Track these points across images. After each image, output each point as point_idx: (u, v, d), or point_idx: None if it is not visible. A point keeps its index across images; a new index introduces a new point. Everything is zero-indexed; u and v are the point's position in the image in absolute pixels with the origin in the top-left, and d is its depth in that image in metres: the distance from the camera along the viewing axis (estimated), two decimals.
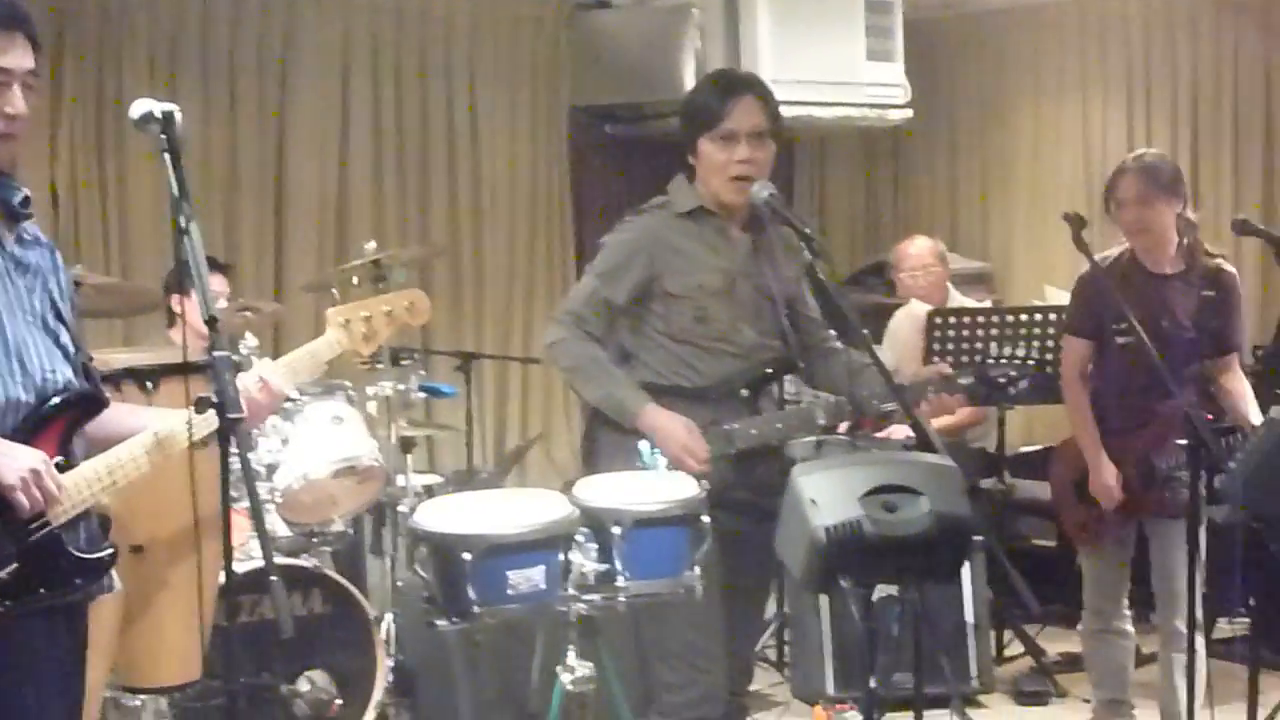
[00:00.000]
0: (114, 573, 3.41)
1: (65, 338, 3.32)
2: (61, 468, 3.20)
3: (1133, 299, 5.30)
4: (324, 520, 5.87)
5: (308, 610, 5.57)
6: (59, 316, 3.33)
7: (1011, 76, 9.18)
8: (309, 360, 3.72)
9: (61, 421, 3.24)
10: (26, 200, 3.31)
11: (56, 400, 3.23)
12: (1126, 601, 5.72)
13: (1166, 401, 5.21)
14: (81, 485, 3.23)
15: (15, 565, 3.15)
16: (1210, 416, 5.27)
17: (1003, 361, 5.11)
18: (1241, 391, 5.54)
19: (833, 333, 4.99)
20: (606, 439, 4.70)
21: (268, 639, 5.37)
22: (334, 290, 5.86)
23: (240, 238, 7.77)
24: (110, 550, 3.32)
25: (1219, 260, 5.56)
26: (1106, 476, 5.43)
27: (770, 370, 4.79)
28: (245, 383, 3.39)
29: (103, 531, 3.37)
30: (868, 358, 4.73)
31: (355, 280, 6.07)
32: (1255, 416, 5.39)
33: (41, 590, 3.20)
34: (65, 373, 3.28)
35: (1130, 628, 5.76)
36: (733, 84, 4.80)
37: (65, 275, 3.38)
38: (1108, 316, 5.41)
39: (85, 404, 3.30)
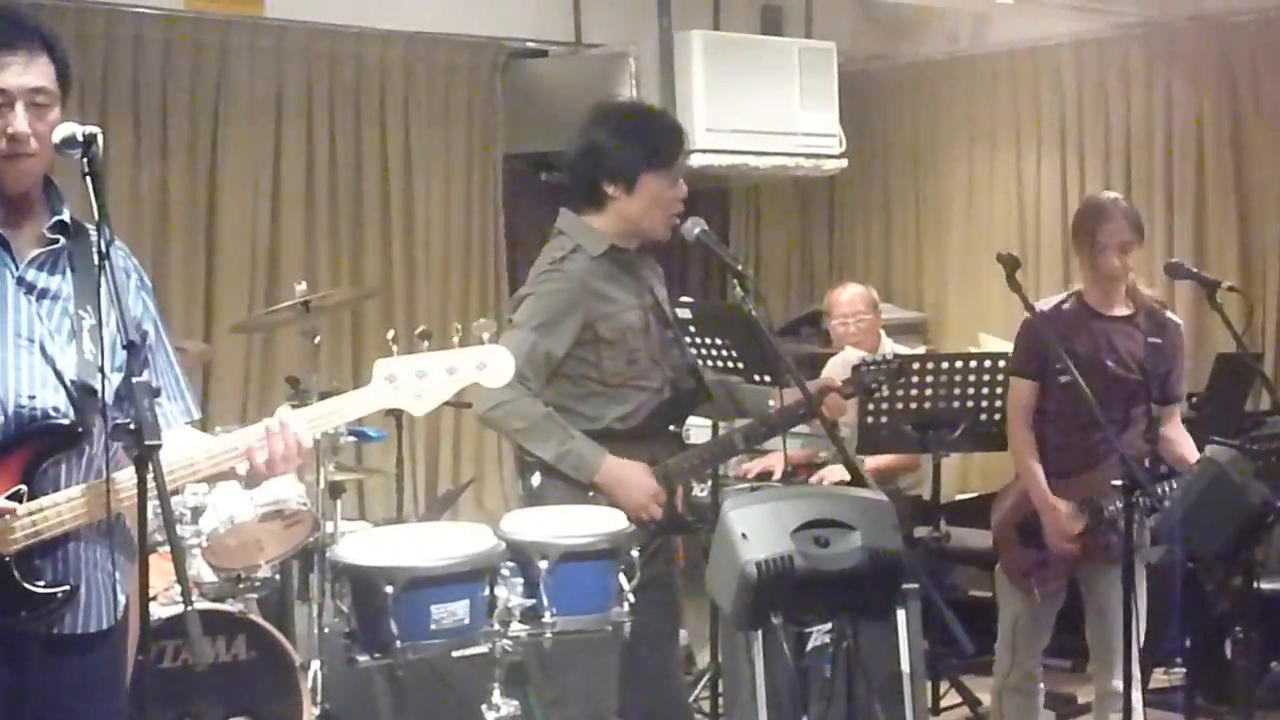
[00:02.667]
0: (97, 612, 3.33)
1: (71, 362, 3.24)
2: (21, 497, 3.15)
3: (1079, 339, 5.35)
4: (250, 565, 5.75)
5: (232, 656, 5.48)
6: (80, 340, 3.25)
7: (945, 126, 9.21)
8: (334, 417, 3.45)
9: (25, 450, 3.19)
10: (59, 225, 3.30)
11: (19, 429, 3.18)
12: (1041, 655, 5.70)
13: (1113, 442, 5.21)
14: (39, 516, 3.17)
15: None
16: (1150, 461, 5.31)
17: (873, 367, 5.15)
18: (1183, 440, 5.55)
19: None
20: (550, 484, 4.61)
21: (190, 684, 5.29)
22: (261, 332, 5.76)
23: (170, 278, 7.66)
24: (64, 589, 3.24)
25: (1167, 311, 5.62)
26: (1059, 515, 5.40)
27: (689, 402, 4.78)
28: (261, 427, 3.29)
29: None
30: (732, 378, 4.85)
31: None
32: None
33: None
34: (50, 400, 3.23)
35: (1041, 684, 5.75)
36: (680, 126, 4.85)
37: (124, 305, 3.17)
38: (1051, 356, 5.38)
39: (53, 434, 3.23)
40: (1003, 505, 5.76)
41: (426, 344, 3.52)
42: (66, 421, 3.23)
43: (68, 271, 3.31)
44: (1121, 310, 5.49)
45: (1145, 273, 7.90)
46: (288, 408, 3.42)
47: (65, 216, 3.32)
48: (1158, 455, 5.42)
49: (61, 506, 3.20)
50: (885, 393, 5.95)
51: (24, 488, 3.18)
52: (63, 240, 3.31)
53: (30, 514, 3.17)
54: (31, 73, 3.20)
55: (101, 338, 3.24)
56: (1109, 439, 5.14)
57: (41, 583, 3.21)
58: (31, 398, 3.21)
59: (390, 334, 3.61)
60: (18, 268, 3.26)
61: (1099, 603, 5.49)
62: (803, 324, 8.90)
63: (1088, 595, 5.54)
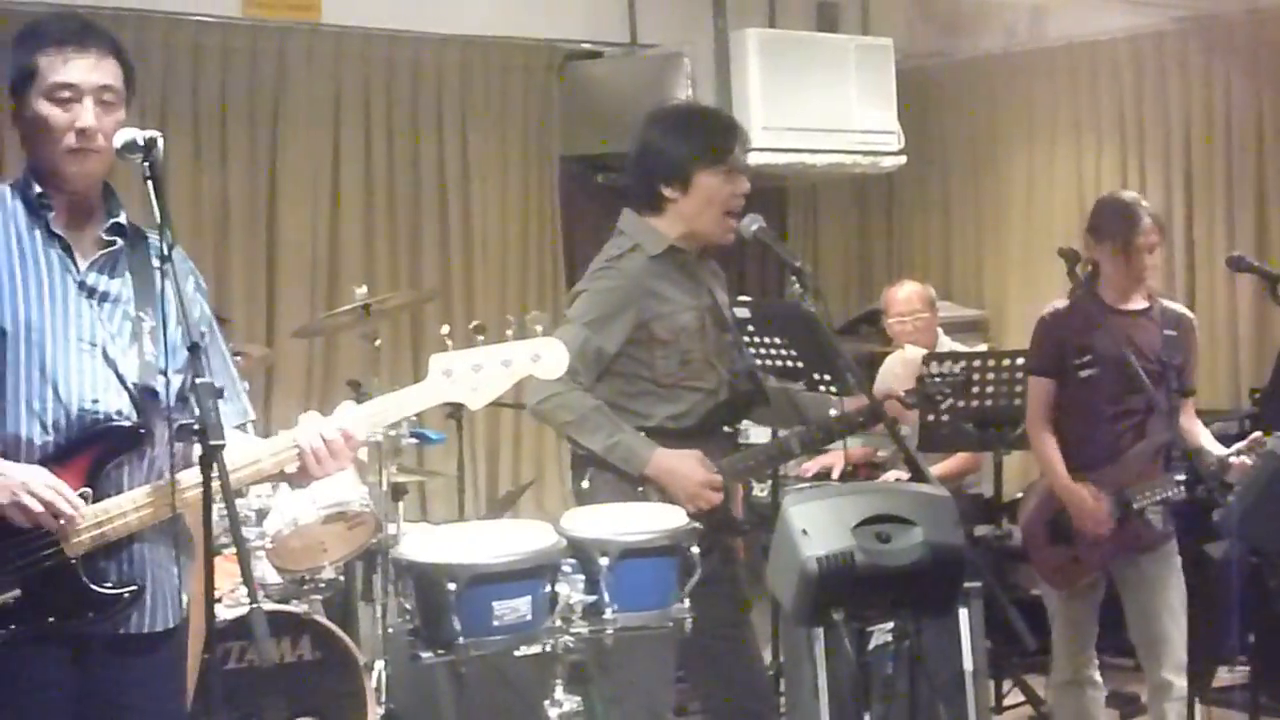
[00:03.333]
0: (162, 613, 3.37)
1: (131, 366, 3.29)
2: (86, 499, 3.20)
3: (1098, 334, 5.39)
4: (314, 567, 5.79)
5: (297, 656, 5.51)
6: (141, 343, 3.30)
7: (1004, 121, 9.16)
8: (393, 412, 3.51)
9: (89, 453, 3.23)
10: (116, 227, 3.35)
11: (82, 432, 3.23)
12: (1094, 651, 5.69)
13: (1140, 434, 5.34)
14: (104, 518, 3.21)
15: (18, 592, 3.16)
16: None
17: (938, 379, 5.09)
18: (1197, 431, 5.56)
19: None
20: (601, 482, 4.63)
21: (256, 684, 5.33)
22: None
23: (232, 284, 7.73)
24: (131, 589, 3.28)
25: (1181, 307, 5.69)
26: (1087, 502, 5.40)
27: (745, 405, 4.78)
28: (327, 430, 3.32)
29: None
30: (794, 385, 4.84)
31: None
32: (1218, 450, 5.40)
33: (51, 619, 3.20)
34: (113, 403, 3.27)
35: (1099, 677, 5.72)
36: (733, 121, 4.81)
37: (187, 306, 3.22)
38: (1069, 352, 5.46)
39: (117, 437, 3.27)
40: (1028, 505, 5.77)
41: (481, 339, 3.53)
42: (129, 424, 3.27)
43: (127, 274, 3.35)
44: (1138, 304, 5.53)
45: (1206, 269, 7.95)
46: (349, 404, 3.45)
47: (122, 219, 3.36)
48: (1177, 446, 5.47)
49: (126, 508, 3.23)
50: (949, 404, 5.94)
51: (89, 490, 3.22)
52: (120, 242, 3.35)
53: (95, 516, 3.21)
54: (100, 71, 3.27)
55: (164, 339, 3.28)
56: (1151, 428, 5.25)
57: (108, 584, 3.25)
58: (95, 401, 3.25)
59: (445, 329, 3.61)
60: (79, 271, 3.29)
61: (1135, 595, 5.50)
62: (861, 323, 8.86)
63: (1123, 590, 5.54)
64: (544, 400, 4.48)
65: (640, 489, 4.50)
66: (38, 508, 3.12)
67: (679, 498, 4.44)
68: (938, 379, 5.08)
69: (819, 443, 4.95)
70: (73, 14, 3.43)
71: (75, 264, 3.30)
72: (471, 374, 3.45)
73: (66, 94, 3.22)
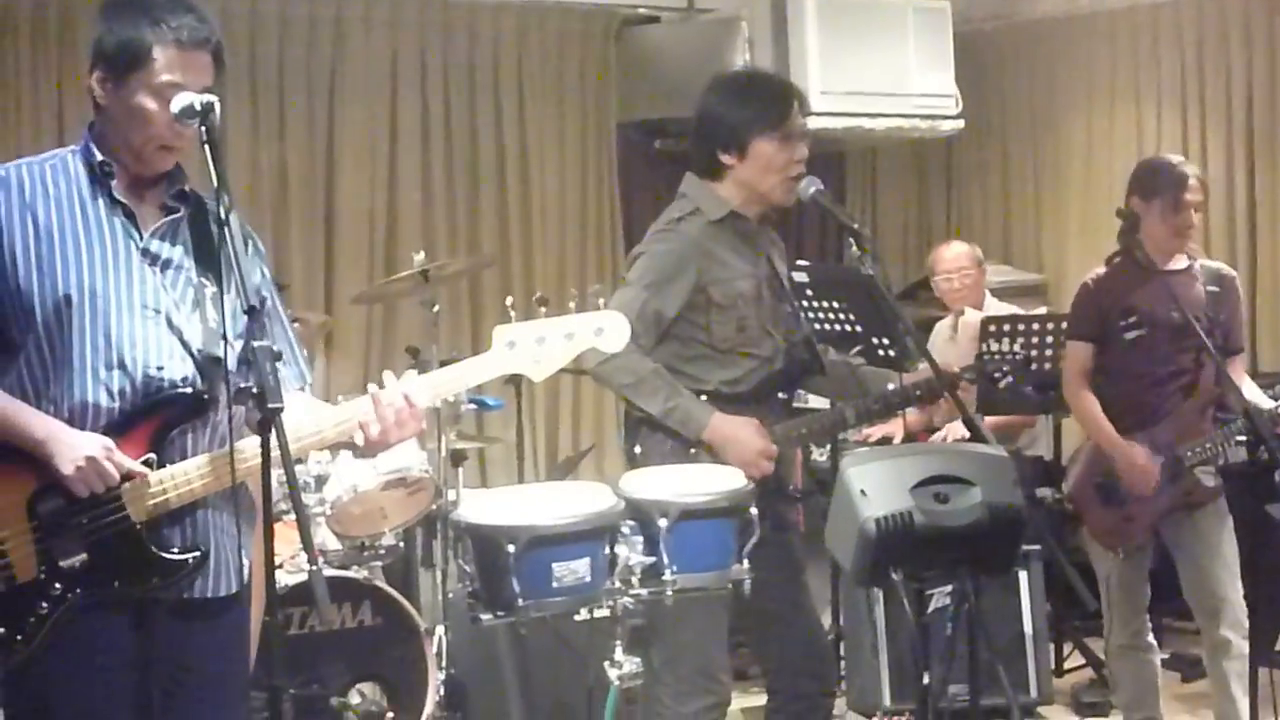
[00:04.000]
0: (226, 578, 3.39)
1: (197, 331, 3.30)
2: (151, 465, 3.22)
3: (1141, 295, 5.42)
4: (374, 533, 5.82)
5: (358, 622, 5.56)
6: (204, 310, 3.31)
7: (1063, 85, 9.09)
8: (457, 383, 3.52)
9: (154, 420, 3.25)
10: (180, 194, 3.36)
11: (147, 399, 3.24)
12: (1147, 615, 5.69)
13: (1189, 392, 5.39)
14: (169, 484, 3.23)
15: (85, 556, 3.19)
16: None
17: (998, 357, 5.07)
18: (1250, 387, 5.57)
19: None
20: (653, 444, 4.63)
21: (317, 650, 5.38)
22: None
23: (290, 252, 7.80)
24: (195, 554, 3.30)
25: (1219, 263, 5.71)
26: (1137, 457, 5.39)
27: (800, 373, 4.78)
28: (390, 398, 3.32)
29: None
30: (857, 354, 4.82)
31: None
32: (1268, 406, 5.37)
33: (116, 584, 3.23)
34: (178, 370, 3.28)
35: (1154, 641, 5.73)
36: (790, 85, 4.80)
37: (244, 270, 3.17)
38: (1114, 315, 5.47)
39: (181, 404, 3.28)
40: (1075, 469, 5.76)
41: (544, 310, 3.55)
42: (193, 391, 3.28)
43: (189, 241, 3.36)
44: (1178, 264, 5.52)
45: (1269, 233, 7.91)
46: (412, 374, 3.46)
47: (185, 186, 3.38)
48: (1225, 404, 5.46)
49: (191, 474, 3.25)
50: (1008, 343, 5.91)
51: (153, 456, 3.24)
52: (183, 209, 3.36)
53: (160, 482, 3.23)
54: (208, 73, 3.28)
55: (222, 305, 3.29)
56: (1203, 384, 5.35)
57: (173, 550, 3.27)
58: (160, 368, 3.26)
59: (509, 300, 3.63)
60: (142, 239, 3.30)
61: (1189, 553, 5.49)
62: (920, 288, 8.82)
63: (1176, 550, 5.53)
64: (603, 363, 4.46)
65: (693, 451, 4.50)
66: (99, 486, 3.15)
67: (734, 464, 4.43)
68: (997, 357, 5.06)
69: (876, 415, 4.96)
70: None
71: (138, 231, 3.30)
72: (535, 346, 3.45)
73: (172, 91, 3.20)
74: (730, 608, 4.43)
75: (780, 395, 4.74)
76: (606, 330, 3.55)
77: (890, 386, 4.90)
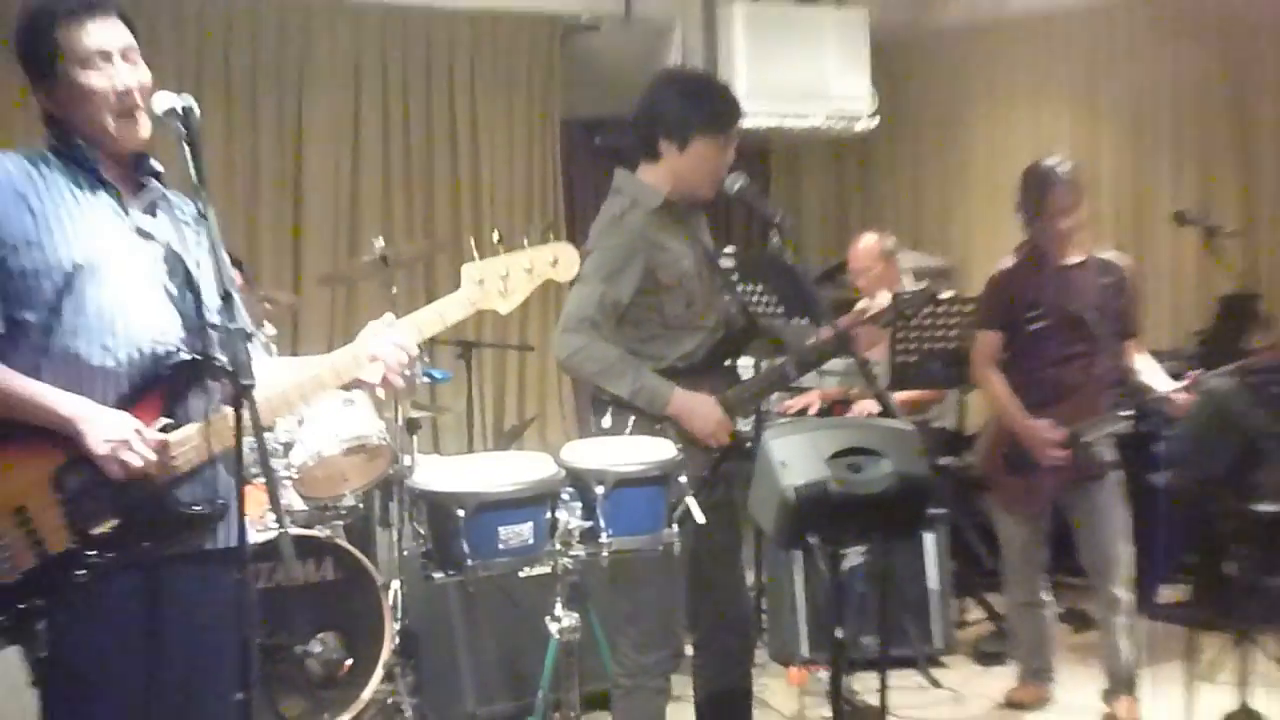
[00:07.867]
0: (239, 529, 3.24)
1: (187, 302, 3.24)
2: (167, 430, 3.15)
3: (1041, 288, 5.47)
4: (336, 495, 5.80)
5: (320, 577, 5.51)
6: (188, 282, 3.25)
7: (969, 88, 9.15)
8: (437, 320, 3.48)
9: (165, 386, 3.18)
10: (149, 169, 3.27)
11: (155, 366, 3.18)
12: (1044, 574, 5.73)
13: (1086, 374, 5.42)
14: (187, 444, 3.17)
15: (116, 522, 3.12)
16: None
17: (908, 296, 5.14)
18: (1149, 369, 5.56)
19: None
20: (621, 420, 4.59)
21: (283, 603, 5.35)
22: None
23: (261, 234, 7.81)
24: (221, 502, 3.25)
25: (1109, 254, 5.66)
26: (1042, 431, 5.43)
27: (742, 339, 4.79)
28: (380, 341, 3.34)
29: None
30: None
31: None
32: (1165, 385, 5.42)
33: (146, 544, 3.16)
34: (178, 338, 3.21)
35: (1049, 598, 5.77)
36: (737, 101, 4.77)
37: (206, 240, 3.18)
38: (1020, 308, 5.50)
39: (187, 370, 3.21)
40: (984, 442, 5.82)
41: (501, 249, 3.58)
42: (195, 357, 3.21)
43: (164, 217, 3.30)
44: (1074, 258, 5.54)
45: (1150, 225, 7.97)
46: (391, 316, 3.44)
47: (153, 162, 3.29)
48: (1126, 385, 5.51)
49: (202, 435, 3.19)
50: (919, 322, 5.94)
51: (170, 420, 3.17)
52: (155, 183, 3.29)
53: (180, 443, 3.16)
54: (119, 31, 3.19)
55: (197, 284, 3.26)
56: (1092, 370, 5.38)
57: (196, 505, 3.21)
58: (164, 334, 3.19)
59: (471, 241, 3.65)
60: (129, 216, 3.24)
61: (1086, 520, 5.52)
62: (837, 271, 8.85)
63: (1074, 516, 5.56)
64: (572, 355, 4.49)
65: (658, 426, 4.51)
66: (137, 463, 3.08)
67: (697, 434, 4.46)
68: (908, 295, 5.13)
69: (812, 365, 4.94)
70: None
71: (125, 210, 3.23)
72: (500, 280, 3.52)
73: (100, 59, 3.14)
74: (684, 567, 4.46)
75: (726, 364, 4.75)
76: (561, 261, 3.61)
77: (810, 341, 4.94)
